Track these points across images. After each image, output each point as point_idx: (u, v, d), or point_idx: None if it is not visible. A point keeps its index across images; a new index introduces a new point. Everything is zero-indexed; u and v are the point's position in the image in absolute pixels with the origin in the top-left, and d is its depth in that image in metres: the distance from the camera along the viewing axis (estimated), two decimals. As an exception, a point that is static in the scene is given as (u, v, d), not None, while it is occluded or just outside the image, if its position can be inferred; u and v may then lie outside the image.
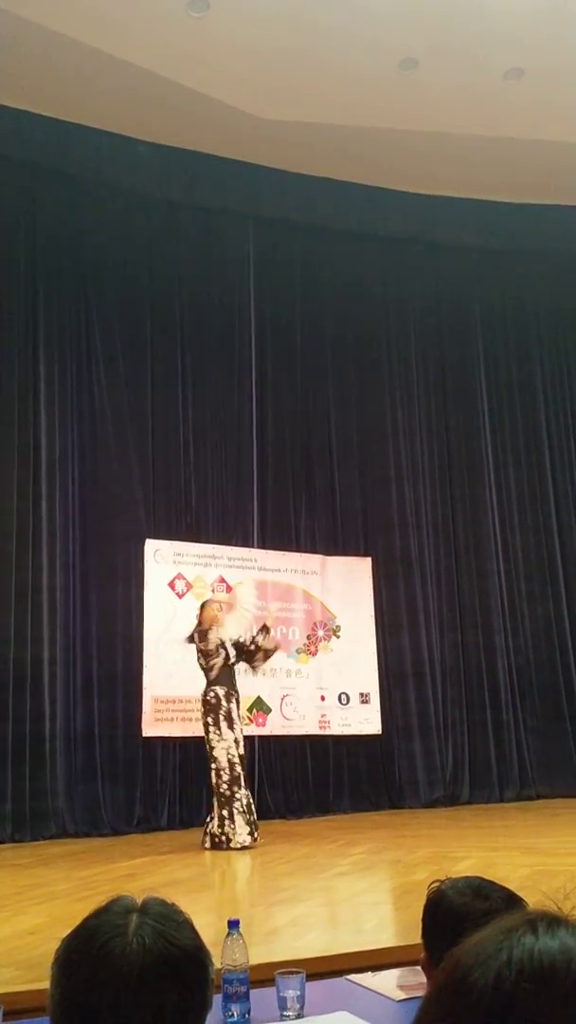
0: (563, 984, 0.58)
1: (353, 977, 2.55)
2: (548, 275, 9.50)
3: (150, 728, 7.30)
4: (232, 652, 6.45)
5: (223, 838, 6.02)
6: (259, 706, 7.77)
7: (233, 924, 2.30)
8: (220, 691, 6.34)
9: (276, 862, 5.54)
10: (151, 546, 7.62)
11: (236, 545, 8.08)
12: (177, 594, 7.65)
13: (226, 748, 6.20)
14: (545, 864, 5.00)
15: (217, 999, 2.28)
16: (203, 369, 8.29)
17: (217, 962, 2.35)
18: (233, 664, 6.46)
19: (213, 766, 6.20)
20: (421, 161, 8.46)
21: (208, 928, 3.33)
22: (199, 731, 7.36)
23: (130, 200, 8.13)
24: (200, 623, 6.57)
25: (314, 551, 8.43)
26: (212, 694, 6.34)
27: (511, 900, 1.57)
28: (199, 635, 6.50)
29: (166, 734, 7.37)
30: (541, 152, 8.42)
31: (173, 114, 7.68)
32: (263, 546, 8.20)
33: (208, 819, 6.21)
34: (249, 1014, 2.23)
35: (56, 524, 7.40)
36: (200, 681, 6.61)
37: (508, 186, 8.91)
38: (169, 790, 7.40)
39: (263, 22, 6.83)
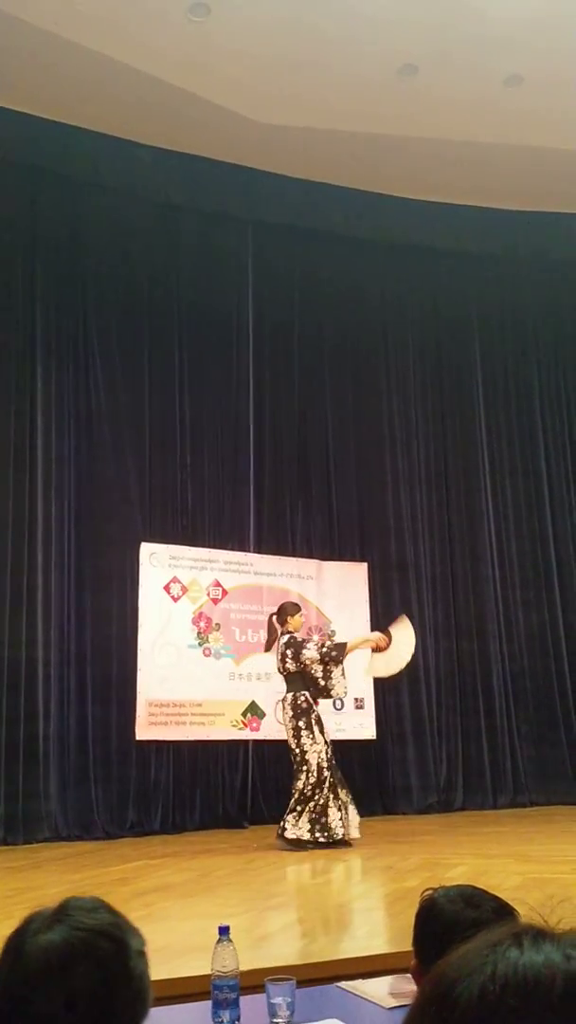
0: (547, 999, 0.57)
1: (344, 984, 2.54)
2: (546, 282, 9.51)
3: (144, 732, 7.28)
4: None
5: (298, 838, 6.11)
6: (253, 711, 7.75)
7: (223, 930, 2.30)
8: (309, 695, 6.42)
9: (268, 867, 5.53)
10: (146, 549, 7.60)
11: (232, 549, 8.07)
12: (172, 598, 7.64)
13: (318, 752, 6.29)
14: (538, 872, 5.00)
15: (207, 1005, 2.28)
16: (201, 372, 8.29)
17: (207, 968, 2.35)
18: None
19: (304, 768, 6.25)
20: (420, 167, 8.47)
21: (199, 933, 3.34)
22: (193, 735, 7.41)
23: (129, 203, 8.12)
24: (291, 629, 6.61)
25: (310, 556, 8.42)
26: (303, 697, 6.40)
27: (502, 909, 1.57)
28: (295, 644, 6.51)
29: (160, 738, 7.36)
30: (540, 159, 8.44)
31: (172, 118, 7.69)
32: (259, 550, 8.19)
33: (287, 822, 6.22)
34: (239, 1021, 2.23)
35: (52, 526, 7.39)
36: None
37: (507, 193, 8.93)
38: (162, 794, 7.39)
39: (263, 27, 6.84)
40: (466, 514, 9.06)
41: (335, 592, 8.39)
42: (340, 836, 6.15)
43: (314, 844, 6.08)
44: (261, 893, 4.77)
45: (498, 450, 9.28)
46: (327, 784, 6.26)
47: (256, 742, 7.77)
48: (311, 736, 6.30)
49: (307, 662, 6.45)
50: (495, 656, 8.78)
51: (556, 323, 9.60)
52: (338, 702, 8.12)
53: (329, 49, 7.09)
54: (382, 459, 8.90)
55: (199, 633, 7.68)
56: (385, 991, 2.45)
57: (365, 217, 8.77)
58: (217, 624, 7.77)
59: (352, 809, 6.31)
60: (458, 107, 7.78)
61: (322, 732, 6.40)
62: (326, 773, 6.28)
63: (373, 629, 8.39)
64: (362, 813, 7.89)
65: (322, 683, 6.48)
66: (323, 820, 6.18)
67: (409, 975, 1.87)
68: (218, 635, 7.76)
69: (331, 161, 8.32)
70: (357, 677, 8.26)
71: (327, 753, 6.35)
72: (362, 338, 9.05)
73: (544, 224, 9.20)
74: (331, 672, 6.47)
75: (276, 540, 8.33)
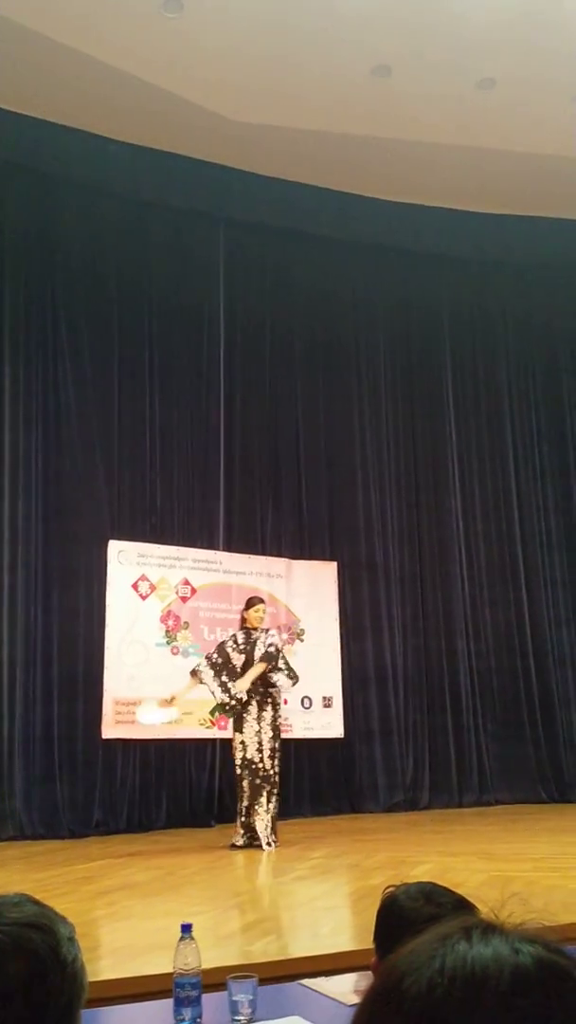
0: (494, 992, 0.58)
1: (306, 982, 2.55)
2: (516, 285, 9.58)
3: (110, 730, 7.24)
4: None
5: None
6: (221, 709, 7.73)
7: (186, 928, 2.30)
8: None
9: (234, 865, 5.53)
10: (114, 547, 7.56)
11: (201, 547, 8.05)
12: (140, 596, 7.61)
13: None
14: (501, 870, 5.03)
15: (169, 1003, 2.27)
16: (171, 370, 8.26)
17: (169, 966, 2.34)
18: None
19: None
20: (392, 168, 8.50)
21: (162, 932, 3.33)
22: (159, 733, 7.38)
23: (100, 199, 8.07)
24: (250, 623, 6.61)
25: (280, 555, 8.42)
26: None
27: (461, 906, 1.58)
28: (275, 646, 6.54)
29: (126, 736, 7.33)
30: (511, 163, 8.50)
31: (145, 114, 7.65)
32: (229, 549, 8.18)
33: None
34: (200, 1019, 2.23)
35: (18, 523, 7.33)
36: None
37: (477, 196, 8.98)
38: (129, 793, 7.36)
39: (236, 25, 6.83)
40: (435, 514, 9.11)
41: (304, 591, 8.40)
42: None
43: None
44: (225, 891, 4.76)
45: (467, 451, 9.34)
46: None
47: (224, 741, 7.74)
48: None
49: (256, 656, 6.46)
50: (463, 655, 8.83)
51: (526, 325, 9.67)
52: (307, 700, 8.15)
53: (302, 48, 7.09)
54: (352, 459, 8.92)
55: (167, 631, 7.65)
56: (348, 988, 2.45)
57: (338, 217, 8.79)
58: (186, 622, 7.75)
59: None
60: (430, 109, 7.81)
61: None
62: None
63: (342, 628, 8.45)
64: (329, 812, 7.98)
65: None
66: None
67: (371, 972, 1.88)
68: (186, 633, 7.74)
69: (304, 160, 8.32)
70: (331, 675, 8.30)
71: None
72: (333, 338, 9.07)
73: (515, 227, 9.26)
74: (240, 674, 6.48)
75: (246, 538, 8.32)
